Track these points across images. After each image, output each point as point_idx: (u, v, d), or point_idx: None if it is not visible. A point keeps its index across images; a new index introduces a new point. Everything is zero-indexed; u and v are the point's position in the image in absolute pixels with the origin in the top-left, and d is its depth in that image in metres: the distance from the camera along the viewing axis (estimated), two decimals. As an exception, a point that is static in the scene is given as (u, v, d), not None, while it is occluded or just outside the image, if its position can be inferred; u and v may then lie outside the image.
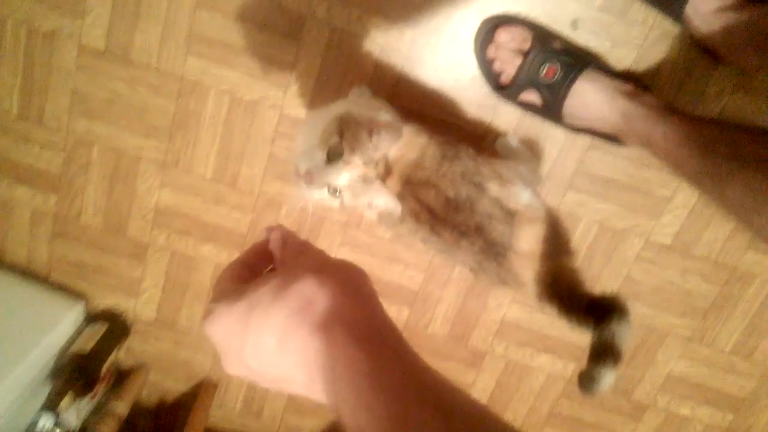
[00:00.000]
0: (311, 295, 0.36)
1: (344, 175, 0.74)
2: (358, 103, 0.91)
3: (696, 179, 0.75)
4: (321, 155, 0.75)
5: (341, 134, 0.75)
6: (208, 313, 0.40)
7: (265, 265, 0.47)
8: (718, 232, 1.11)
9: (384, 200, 0.78)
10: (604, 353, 0.72)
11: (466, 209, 0.80)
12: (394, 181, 0.80)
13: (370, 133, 0.74)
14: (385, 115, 0.82)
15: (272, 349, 0.36)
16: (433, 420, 0.30)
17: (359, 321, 0.36)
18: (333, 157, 0.74)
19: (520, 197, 0.83)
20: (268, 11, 1.00)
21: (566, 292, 0.80)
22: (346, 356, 0.34)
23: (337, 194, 0.76)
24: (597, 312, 0.76)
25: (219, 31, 1.02)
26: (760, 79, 0.99)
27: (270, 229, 0.48)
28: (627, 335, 0.72)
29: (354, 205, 0.80)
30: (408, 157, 0.80)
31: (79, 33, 1.03)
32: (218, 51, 1.03)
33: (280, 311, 0.36)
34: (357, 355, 0.33)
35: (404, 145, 0.80)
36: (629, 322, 0.73)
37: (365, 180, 0.76)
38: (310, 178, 0.73)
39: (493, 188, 0.81)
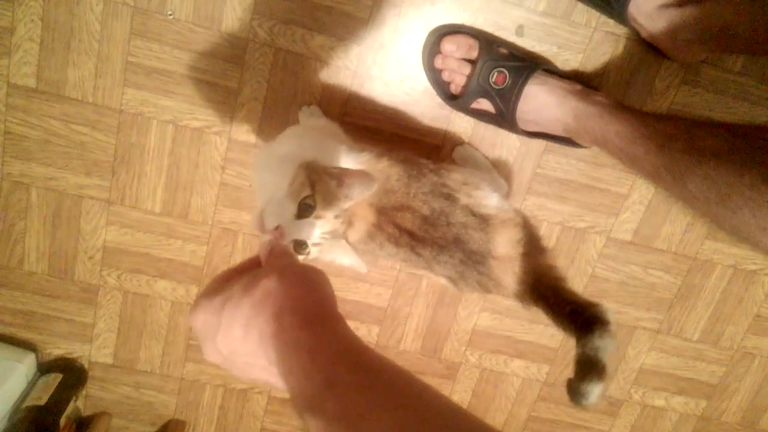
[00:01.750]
0: (272, 289, 0.42)
1: (316, 231, 0.70)
2: (311, 128, 0.88)
3: (654, 175, 0.74)
4: (291, 209, 0.69)
5: (312, 186, 0.70)
6: (193, 306, 0.47)
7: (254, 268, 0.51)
8: (676, 225, 1.12)
9: (350, 259, 0.77)
10: (589, 368, 0.70)
11: (442, 224, 0.79)
12: (365, 214, 0.77)
13: (341, 185, 0.71)
14: (342, 156, 0.79)
15: (239, 336, 0.42)
16: (351, 375, 0.37)
17: (307, 308, 0.42)
18: (304, 210, 0.69)
19: (490, 200, 0.83)
20: (207, 37, 0.96)
21: (550, 291, 0.79)
22: (293, 337, 0.40)
23: (305, 250, 0.72)
24: (579, 323, 0.74)
25: (156, 60, 0.98)
26: (705, 72, 1.00)
27: (263, 243, 0.54)
28: (610, 348, 0.71)
29: (321, 260, 0.77)
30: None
31: (6, 72, 0.97)
32: (157, 81, 0.99)
33: (246, 303, 0.42)
34: (301, 335, 0.39)
35: None
36: (611, 333, 0.71)
37: (334, 236, 0.73)
38: (280, 234, 0.67)
39: (463, 197, 0.81)
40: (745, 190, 0.60)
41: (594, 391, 0.70)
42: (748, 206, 0.60)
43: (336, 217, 0.71)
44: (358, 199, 0.74)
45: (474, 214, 0.80)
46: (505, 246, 0.81)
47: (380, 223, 0.79)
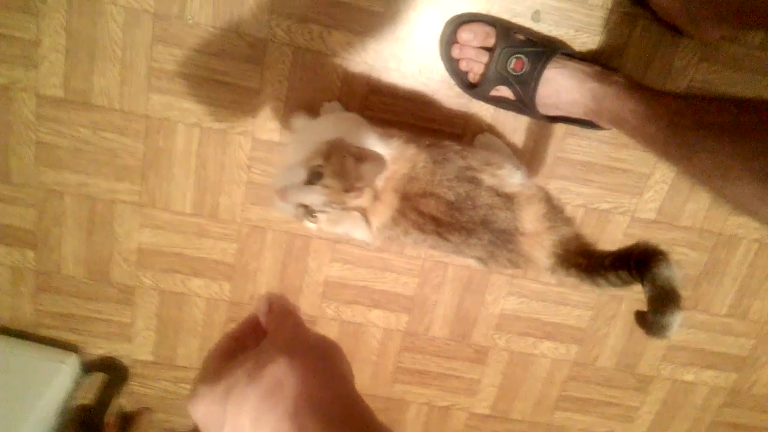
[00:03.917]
0: (282, 377, 0.37)
1: (319, 198, 0.72)
2: (342, 123, 0.90)
3: (665, 152, 0.75)
4: (301, 174, 0.73)
5: (327, 157, 0.73)
6: (192, 394, 0.40)
7: (255, 336, 0.46)
8: (699, 202, 1.12)
9: (361, 233, 0.78)
10: (664, 300, 0.69)
11: (468, 207, 0.80)
12: (390, 200, 0.79)
13: (357, 161, 0.73)
14: (372, 142, 0.81)
15: (248, 431, 0.36)
16: None
17: (327, 403, 0.36)
18: (313, 177, 0.73)
19: (513, 179, 0.84)
20: (227, 39, 0.98)
21: (582, 257, 0.80)
22: None
23: (313, 217, 0.75)
24: (632, 266, 0.74)
25: (179, 65, 1.00)
26: (723, 49, 0.99)
27: (259, 299, 0.48)
28: (678, 276, 0.70)
29: (333, 231, 0.79)
30: (400, 172, 0.80)
31: (34, 84, 1.00)
32: (180, 85, 1.01)
33: (253, 394, 0.36)
34: None
35: (395, 160, 0.79)
36: (673, 261, 0.71)
37: (343, 207, 0.75)
38: (283, 194, 0.72)
39: (487, 178, 0.82)
40: (745, 161, 0.62)
41: (675, 322, 0.68)
42: (746, 176, 0.62)
43: (345, 190, 0.73)
44: (371, 180, 0.75)
45: (499, 194, 0.81)
46: (532, 221, 0.82)
47: (404, 210, 0.80)
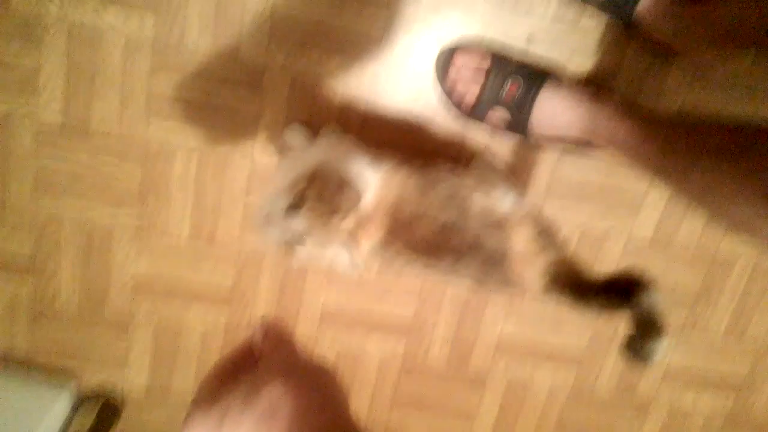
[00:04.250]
0: (277, 401, 0.37)
1: (303, 222, 0.73)
2: (333, 150, 0.91)
3: (660, 172, 0.77)
4: (285, 200, 0.74)
5: (310, 182, 0.74)
6: (187, 419, 0.40)
7: (251, 361, 0.46)
8: (695, 221, 1.13)
9: (346, 258, 0.78)
10: (647, 327, 0.71)
11: (460, 229, 0.80)
12: (380, 222, 0.79)
13: (340, 188, 0.74)
14: (361, 167, 0.82)
15: None
16: None
17: (322, 428, 0.37)
18: (297, 202, 0.73)
19: (505, 200, 0.85)
20: (226, 65, 0.99)
21: (572, 279, 0.81)
22: None
23: (299, 241, 0.75)
24: (617, 293, 0.76)
25: (178, 90, 1.01)
26: (715, 68, 1.02)
27: (255, 325, 0.49)
28: (661, 303, 0.72)
29: (321, 256, 0.79)
30: (388, 197, 0.80)
31: (34, 110, 1.01)
32: (180, 110, 1.02)
33: (248, 419, 0.36)
34: None
35: (385, 183, 0.80)
36: (655, 289, 0.73)
37: (328, 232, 0.75)
38: (267, 220, 0.72)
39: (479, 199, 0.82)
40: (742, 179, 0.63)
41: (658, 349, 0.70)
42: (743, 195, 0.63)
43: (329, 213, 0.74)
44: (350, 205, 0.76)
45: (490, 215, 0.82)
46: (523, 242, 0.82)
47: (395, 232, 0.80)
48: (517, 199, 0.87)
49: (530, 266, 0.83)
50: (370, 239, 0.80)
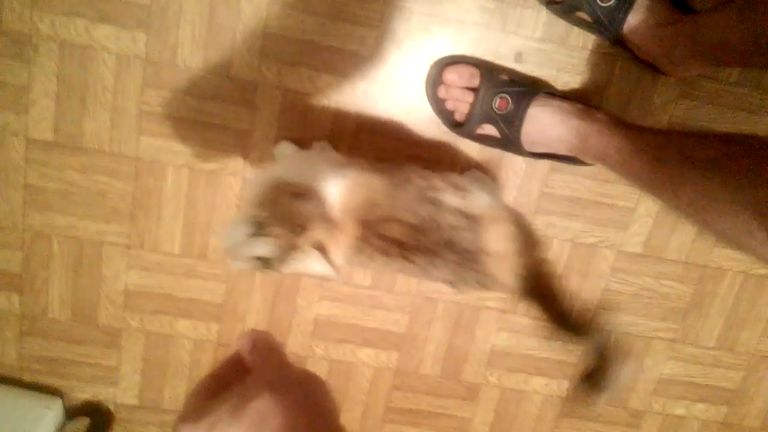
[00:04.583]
0: (266, 413, 0.36)
1: (269, 246, 0.70)
2: (293, 164, 0.90)
3: (650, 186, 0.77)
4: (245, 228, 0.70)
5: (269, 203, 0.72)
6: None
7: (239, 373, 0.45)
8: (684, 234, 1.14)
9: (320, 267, 0.76)
10: (599, 366, 0.73)
11: (432, 229, 0.79)
12: (350, 229, 0.79)
13: (295, 200, 0.73)
14: (325, 176, 0.81)
15: None
16: None
17: None
18: (257, 228, 0.70)
19: (479, 200, 0.83)
20: (217, 82, 1.00)
21: (545, 287, 0.82)
22: None
23: (269, 266, 0.72)
24: (570, 326, 0.77)
25: (169, 108, 1.01)
26: (702, 86, 1.03)
27: (243, 337, 0.48)
28: (609, 345, 0.74)
29: (298, 270, 0.77)
30: (357, 200, 0.79)
31: (25, 128, 1.01)
32: (171, 127, 1.02)
33: (237, 431, 0.36)
34: None
35: (351, 189, 0.79)
36: (608, 333, 0.74)
37: (295, 248, 0.73)
38: (232, 253, 0.70)
39: (451, 199, 0.81)
40: (731, 193, 0.63)
41: (607, 388, 0.72)
42: (733, 208, 0.63)
43: (292, 231, 0.72)
44: (313, 215, 0.74)
45: (464, 215, 0.81)
46: (497, 242, 0.81)
47: (367, 237, 0.79)
48: (491, 199, 0.86)
49: (504, 267, 0.82)
50: (340, 245, 0.79)
